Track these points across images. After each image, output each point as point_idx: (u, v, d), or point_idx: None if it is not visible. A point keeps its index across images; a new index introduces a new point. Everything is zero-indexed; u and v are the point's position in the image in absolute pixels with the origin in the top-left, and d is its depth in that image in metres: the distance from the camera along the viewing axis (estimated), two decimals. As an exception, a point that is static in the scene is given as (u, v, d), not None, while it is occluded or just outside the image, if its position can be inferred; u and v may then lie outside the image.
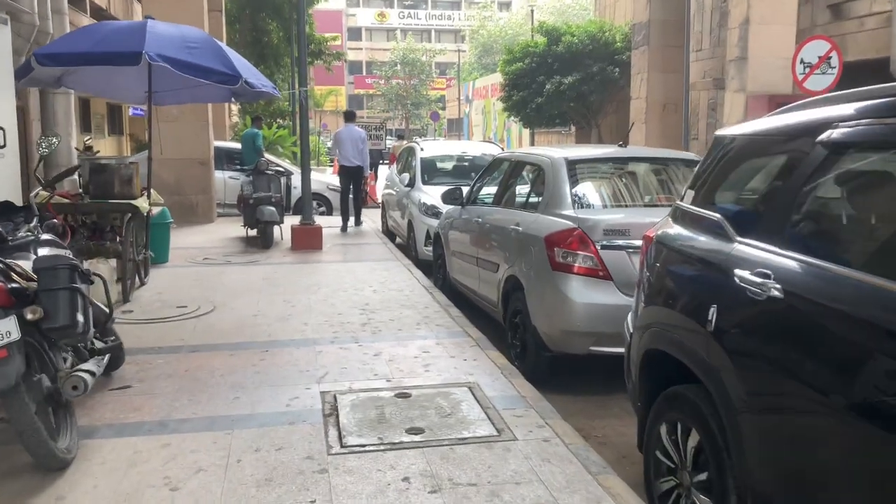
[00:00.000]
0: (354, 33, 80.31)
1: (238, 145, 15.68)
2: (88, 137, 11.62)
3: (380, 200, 13.33)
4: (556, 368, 5.26)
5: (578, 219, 5.03)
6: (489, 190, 7.15)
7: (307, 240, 10.01)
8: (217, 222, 13.03)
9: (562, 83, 22.07)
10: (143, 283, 7.52)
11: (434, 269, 8.32)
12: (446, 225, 7.78)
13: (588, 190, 5.48)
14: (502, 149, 11.31)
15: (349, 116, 13.00)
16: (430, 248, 9.12)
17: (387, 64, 64.44)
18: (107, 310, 4.20)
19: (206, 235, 11.35)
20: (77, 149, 11.19)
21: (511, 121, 35.15)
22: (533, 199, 5.86)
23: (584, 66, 22.24)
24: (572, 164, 5.54)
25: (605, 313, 4.86)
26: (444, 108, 54.40)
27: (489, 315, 6.42)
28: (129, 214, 6.70)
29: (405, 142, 21.83)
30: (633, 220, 5.02)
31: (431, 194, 9.85)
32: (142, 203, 6.74)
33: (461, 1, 78.78)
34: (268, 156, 14.71)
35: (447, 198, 7.42)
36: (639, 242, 4.89)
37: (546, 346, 5.15)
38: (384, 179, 12.85)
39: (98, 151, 11.12)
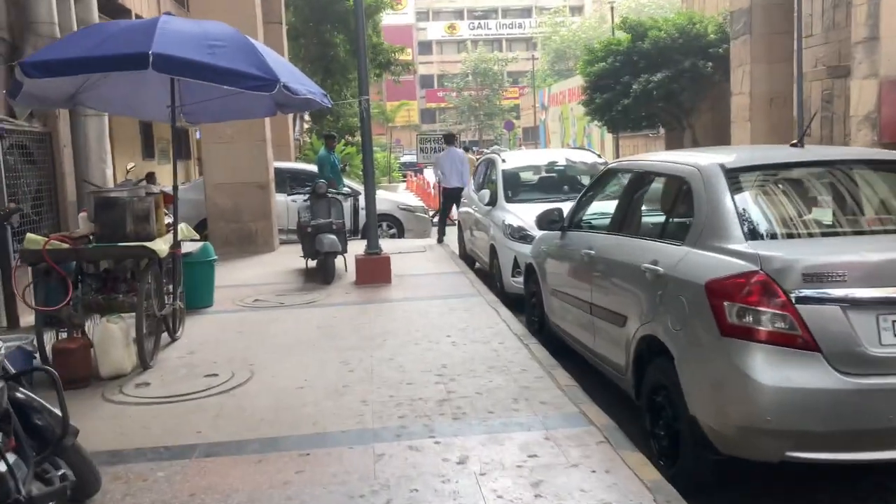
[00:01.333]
0: (425, 47, 79.68)
1: (304, 166, 14.51)
2: (132, 165, 10.51)
3: (455, 219, 11.75)
4: (727, 474, 3.57)
5: (760, 256, 3.33)
6: (599, 209, 5.51)
7: (373, 273, 8.56)
8: (279, 251, 11.77)
9: (650, 82, 20.14)
10: (173, 339, 6.19)
11: (527, 307, 6.70)
12: (542, 254, 6.16)
13: (763, 211, 3.75)
14: (599, 156, 9.53)
15: (449, 139, 12.83)
16: (520, 281, 7.52)
17: (458, 76, 63.29)
18: (57, 429, 2.77)
19: (263, 268, 10.06)
20: (141, 179, 10.29)
21: (591, 126, 33.19)
22: (673, 225, 4.19)
23: (674, 62, 20.25)
24: (734, 175, 3.85)
25: (810, 402, 3.16)
26: (518, 118, 52.73)
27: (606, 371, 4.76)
28: (147, 260, 5.35)
29: (474, 155, 20.32)
30: (848, 258, 3.30)
31: (518, 214, 8.25)
32: (160, 245, 5.37)
33: (532, 8, 77.01)
34: (346, 180, 13.47)
35: (543, 222, 5.80)
36: (861, 292, 3.19)
37: (712, 447, 3.46)
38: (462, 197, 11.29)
39: (144, 180, 10.07)
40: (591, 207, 5.62)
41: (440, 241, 12.22)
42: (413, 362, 5.29)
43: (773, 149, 5.52)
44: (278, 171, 13.11)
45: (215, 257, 7.66)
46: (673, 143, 24.41)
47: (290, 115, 20.15)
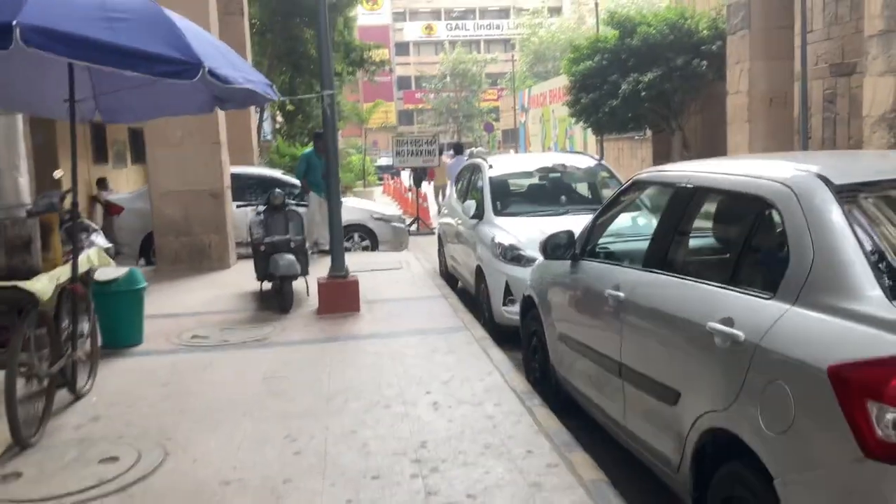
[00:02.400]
0: (402, 48, 78.38)
1: (269, 171, 13.14)
2: (61, 173, 9.10)
3: (435, 231, 10.47)
4: None
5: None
6: (624, 232, 4.28)
7: (338, 300, 7.25)
8: (235, 268, 10.41)
9: (639, 81, 19.00)
10: (77, 396, 4.84)
11: (525, 350, 5.43)
12: (545, 285, 4.91)
13: (905, 252, 2.52)
14: (599, 160, 8.26)
15: (458, 149, 14.79)
16: (513, 311, 6.28)
17: (436, 77, 62.07)
18: None
19: (213, 290, 8.70)
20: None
21: (573, 128, 32.10)
22: (752, 266, 2.94)
23: (665, 60, 19.13)
24: (848, 194, 2.62)
25: None
26: (497, 120, 51.60)
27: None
28: (30, 304, 4.01)
29: (463, 156, 19.03)
30: None
31: (509, 230, 7.00)
32: (42, 284, 4.03)
33: (510, 8, 76.02)
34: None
35: (550, 249, 4.55)
36: None
37: None
38: (443, 205, 10.01)
39: (68, 193, 8.66)
40: (612, 230, 4.38)
41: None
42: (381, 439, 4.00)
43: (880, 156, 4.22)
44: (238, 178, 11.77)
45: (144, 285, 6.30)
46: (661, 146, 23.33)
47: (256, 114, 18.78)
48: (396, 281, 8.90)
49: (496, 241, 6.88)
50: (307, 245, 8.12)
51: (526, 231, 6.92)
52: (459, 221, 8.32)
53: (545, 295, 4.86)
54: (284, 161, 15.32)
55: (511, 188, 8.12)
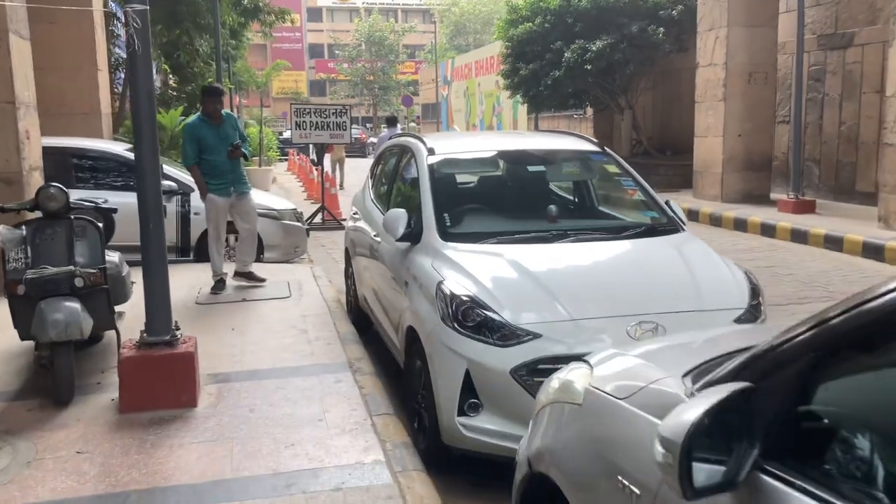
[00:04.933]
0: (314, 14, 73.63)
1: (111, 146, 9.51)
2: None
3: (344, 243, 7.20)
4: None
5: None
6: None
7: (157, 386, 4.01)
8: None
9: (587, 50, 16.19)
10: None
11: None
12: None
13: None
14: (601, 147, 5.09)
15: (391, 122, 14.18)
16: (477, 426, 3.27)
17: (350, 45, 57.93)
18: None
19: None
20: None
21: (501, 104, 29.19)
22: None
23: (617, 26, 16.39)
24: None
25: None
26: (416, 93, 48.19)
27: None
28: None
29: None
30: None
31: (469, 268, 3.90)
32: None
33: (430, -23, 72.42)
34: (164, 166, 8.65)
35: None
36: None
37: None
38: (354, 202, 6.82)
39: None
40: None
41: None
42: None
43: None
44: (59, 155, 8.27)
45: None
46: (603, 126, 20.71)
47: (119, 73, 14.93)
48: (275, 327, 5.67)
49: (446, 289, 3.76)
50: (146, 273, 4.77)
51: (496, 270, 3.87)
52: (378, 237, 5.14)
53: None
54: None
55: (465, 189, 4.97)
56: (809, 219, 10.99)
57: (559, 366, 3.38)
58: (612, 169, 4.95)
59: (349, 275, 6.62)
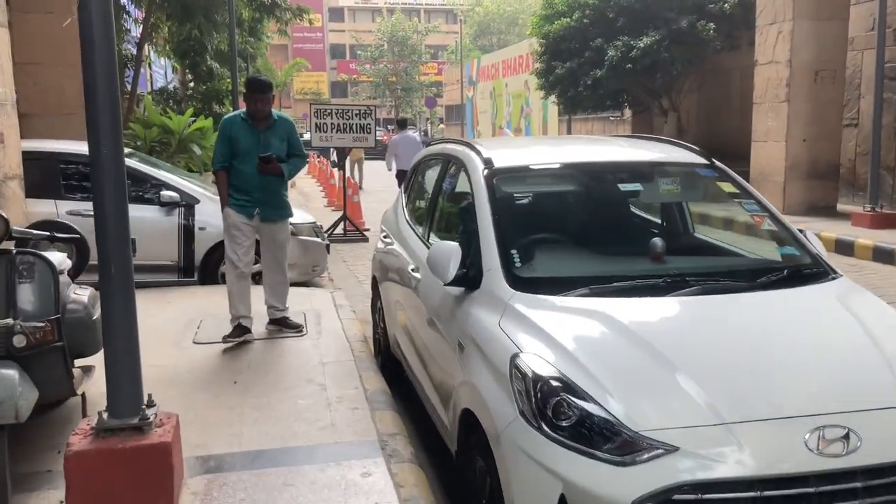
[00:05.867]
0: (336, 14, 72.93)
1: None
2: None
3: (371, 269, 6.03)
4: None
5: None
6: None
7: (119, 495, 2.88)
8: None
9: (632, 47, 14.98)
10: None
11: None
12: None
13: None
14: (708, 157, 3.91)
15: (402, 124, 13.32)
16: None
17: (372, 45, 56.94)
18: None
19: None
20: None
21: (530, 105, 27.97)
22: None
23: (664, 21, 15.17)
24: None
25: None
26: (440, 95, 47.05)
27: None
28: None
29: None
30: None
31: (555, 334, 2.73)
32: None
33: (453, -24, 71.39)
34: (163, 173, 7.62)
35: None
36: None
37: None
38: (388, 218, 5.63)
39: None
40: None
41: None
42: None
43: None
44: (46, 160, 7.28)
45: None
46: (642, 130, 19.43)
47: (129, 70, 13.93)
48: (287, 379, 4.54)
49: (525, 367, 2.60)
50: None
51: (596, 338, 2.72)
52: (417, 271, 4.00)
53: None
54: (152, 135, 10.57)
55: (536, 214, 3.78)
56: (893, 234, 9.71)
57: (706, 496, 2.24)
58: (727, 188, 3.75)
59: (376, 308, 5.48)
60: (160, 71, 22.75)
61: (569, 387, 2.48)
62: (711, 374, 2.51)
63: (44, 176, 7.14)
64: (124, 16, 14.49)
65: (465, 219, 3.59)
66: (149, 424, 2.97)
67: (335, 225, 12.10)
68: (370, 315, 5.91)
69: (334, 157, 13.45)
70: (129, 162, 7.76)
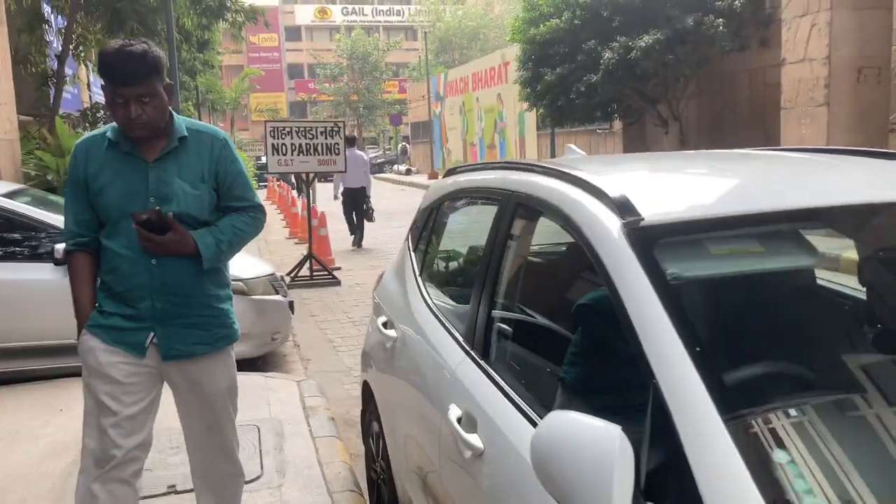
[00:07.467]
0: (293, 33, 70.91)
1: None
2: None
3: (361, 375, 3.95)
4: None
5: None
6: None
7: None
8: None
9: (632, 48, 13.20)
10: None
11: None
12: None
13: None
14: None
15: (351, 141, 12.20)
16: None
17: (332, 64, 54.85)
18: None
19: None
20: None
21: (504, 121, 26.16)
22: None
23: (667, 19, 13.43)
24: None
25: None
26: (405, 112, 45.08)
27: None
28: None
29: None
30: None
31: None
32: None
33: (412, -8, 69.94)
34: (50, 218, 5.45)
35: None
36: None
37: None
38: (389, 285, 3.52)
39: None
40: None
41: (358, 245, 11.96)
42: None
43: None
44: None
45: None
46: (635, 143, 17.73)
47: (11, 80, 11.70)
48: None
49: None
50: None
51: None
52: (467, 421, 1.95)
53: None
54: (66, 164, 8.40)
55: (735, 317, 1.78)
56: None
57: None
58: None
59: (371, 432, 3.44)
60: (100, 92, 20.47)
61: None
62: None
63: None
64: (44, 27, 12.34)
65: (601, 344, 1.56)
66: None
67: (300, 265, 10.01)
68: (353, 411, 3.86)
69: (293, 179, 11.41)
70: (15, 204, 5.63)
